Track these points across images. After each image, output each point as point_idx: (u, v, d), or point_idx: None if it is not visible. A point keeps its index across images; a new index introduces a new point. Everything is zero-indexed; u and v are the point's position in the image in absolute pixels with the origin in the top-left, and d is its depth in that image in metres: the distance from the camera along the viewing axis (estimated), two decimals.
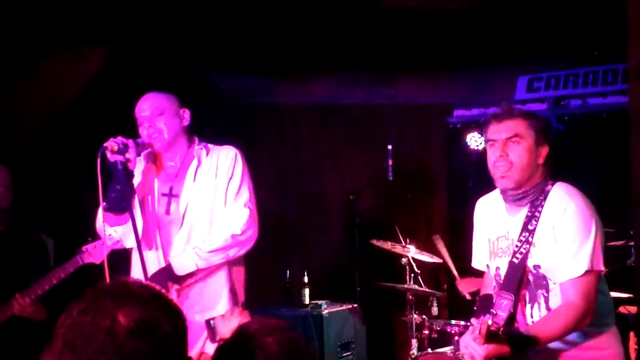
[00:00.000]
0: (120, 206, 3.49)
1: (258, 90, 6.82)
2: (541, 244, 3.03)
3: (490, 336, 2.83)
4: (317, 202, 6.94)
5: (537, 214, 3.07)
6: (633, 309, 4.92)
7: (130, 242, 3.65)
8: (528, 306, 3.08)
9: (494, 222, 3.30)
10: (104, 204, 3.49)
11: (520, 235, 3.09)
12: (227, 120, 6.29)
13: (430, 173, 6.70)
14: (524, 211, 3.13)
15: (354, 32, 5.82)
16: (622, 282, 4.63)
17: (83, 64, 5.35)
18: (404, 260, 5.66)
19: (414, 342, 5.48)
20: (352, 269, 6.32)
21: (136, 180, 3.68)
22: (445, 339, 5.37)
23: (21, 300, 4.14)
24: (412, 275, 5.66)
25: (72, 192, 4.98)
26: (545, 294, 3.04)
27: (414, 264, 5.66)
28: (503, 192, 3.21)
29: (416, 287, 5.62)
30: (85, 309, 1.57)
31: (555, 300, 3.02)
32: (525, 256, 3.05)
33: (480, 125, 6.28)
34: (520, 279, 3.06)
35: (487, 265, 3.32)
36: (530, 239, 3.05)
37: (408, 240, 5.77)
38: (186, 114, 3.78)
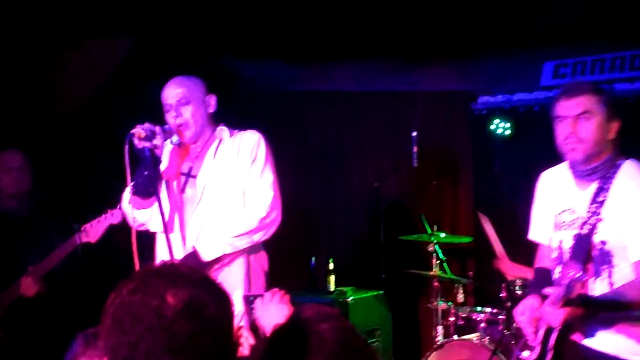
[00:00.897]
0: (147, 191, 3.50)
1: (282, 78, 6.81)
2: (610, 219, 3.03)
3: (568, 300, 2.89)
4: (341, 189, 6.94)
5: (607, 187, 3.07)
6: None
7: (154, 226, 3.67)
8: (591, 280, 3.08)
9: (560, 195, 3.29)
10: (131, 188, 3.51)
11: (589, 207, 3.08)
12: (251, 108, 6.29)
13: (455, 159, 6.66)
14: (593, 185, 3.12)
15: (378, 18, 5.79)
16: None
17: (109, 52, 5.38)
18: (429, 247, 5.65)
19: (440, 329, 5.48)
20: (378, 256, 6.32)
21: (163, 166, 3.68)
22: (471, 325, 5.36)
23: (25, 281, 4.21)
24: (438, 262, 5.64)
25: (99, 179, 5.00)
26: (610, 269, 3.05)
27: (439, 251, 5.65)
28: (572, 166, 3.20)
29: (442, 274, 5.61)
30: (134, 288, 1.59)
31: (619, 277, 3.03)
32: (592, 229, 3.06)
33: (505, 112, 6.31)
34: (587, 252, 3.06)
35: (550, 238, 3.32)
36: (599, 211, 3.04)
37: (435, 227, 5.76)
38: (212, 101, 3.76)
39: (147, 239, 3.85)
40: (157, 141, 3.49)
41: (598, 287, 3.06)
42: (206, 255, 3.61)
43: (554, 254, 3.27)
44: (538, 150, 6.27)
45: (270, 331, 2.04)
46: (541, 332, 3.07)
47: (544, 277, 3.29)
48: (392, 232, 6.17)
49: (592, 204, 3.07)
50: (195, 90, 3.73)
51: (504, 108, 6.39)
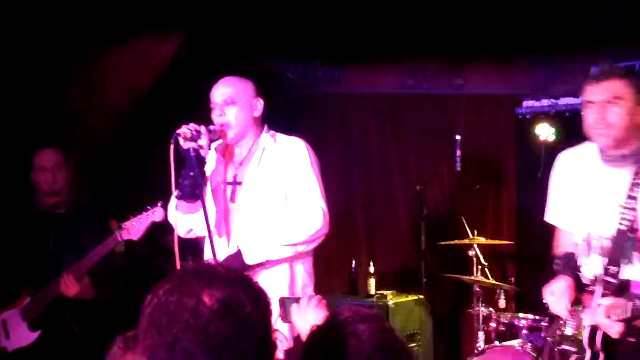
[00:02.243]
0: (193, 194, 3.47)
1: (325, 80, 6.82)
2: None
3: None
4: (383, 192, 6.92)
5: None
6: None
7: (201, 231, 3.66)
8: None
9: (584, 178, 3.25)
10: (177, 192, 3.49)
11: (626, 202, 3.05)
12: (293, 110, 6.31)
13: (498, 164, 6.62)
14: (624, 175, 3.09)
15: (422, 21, 5.77)
16: None
17: (157, 52, 5.43)
18: (471, 252, 5.60)
19: (481, 334, 5.42)
20: (418, 260, 6.29)
21: (208, 167, 3.68)
22: (512, 332, 5.31)
23: (65, 280, 4.21)
24: (479, 267, 5.60)
25: (145, 179, 5.05)
26: None
27: (481, 256, 5.60)
28: (602, 151, 3.17)
29: (483, 279, 5.56)
30: (171, 289, 1.59)
31: None
32: (632, 222, 3.02)
33: (551, 117, 6.23)
34: (628, 248, 3.04)
35: (574, 222, 3.30)
36: (636, 206, 3.02)
37: (476, 232, 5.72)
38: (260, 104, 3.73)
39: (193, 241, 3.87)
40: (202, 141, 3.47)
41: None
42: (249, 259, 3.61)
43: (581, 244, 3.25)
44: None
45: (307, 334, 2.03)
46: (585, 334, 3.06)
47: (570, 262, 3.29)
48: (434, 236, 6.14)
49: (628, 198, 3.04)
50: (243, 92, 3.70)
51: (549, 113, 6.31)
